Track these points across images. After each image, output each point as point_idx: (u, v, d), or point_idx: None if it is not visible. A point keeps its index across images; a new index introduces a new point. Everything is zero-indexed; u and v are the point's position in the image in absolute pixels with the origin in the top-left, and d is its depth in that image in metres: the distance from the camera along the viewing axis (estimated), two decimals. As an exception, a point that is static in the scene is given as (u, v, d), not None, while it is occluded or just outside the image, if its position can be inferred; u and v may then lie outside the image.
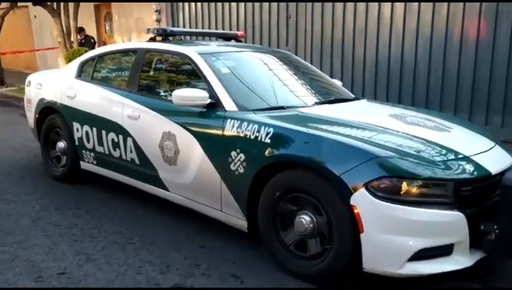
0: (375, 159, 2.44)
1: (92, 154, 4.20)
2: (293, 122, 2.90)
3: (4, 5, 12.00)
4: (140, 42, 4.30)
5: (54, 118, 4.59)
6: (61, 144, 4.57)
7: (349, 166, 2.46)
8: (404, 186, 2.40)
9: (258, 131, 2.86)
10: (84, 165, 4.37)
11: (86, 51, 9.26)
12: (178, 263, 2.97)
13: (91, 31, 11.17)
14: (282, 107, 3.24)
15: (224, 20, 8.74)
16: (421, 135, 2.84)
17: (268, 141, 2.81)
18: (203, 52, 3.62)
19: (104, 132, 3.99)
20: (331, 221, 2.58)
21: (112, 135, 3.92)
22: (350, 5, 7.03)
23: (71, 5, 9.65)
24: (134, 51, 4.07)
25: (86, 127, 4.17)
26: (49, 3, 9.63)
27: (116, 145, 3.90)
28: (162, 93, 3.67)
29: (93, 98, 4.15)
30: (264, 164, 2.84)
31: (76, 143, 4.33)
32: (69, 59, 9.31)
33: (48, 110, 4.67)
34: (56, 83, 4.61)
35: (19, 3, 11.97)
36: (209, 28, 8.80)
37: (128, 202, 4.04)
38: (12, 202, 4.02)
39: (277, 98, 3.41)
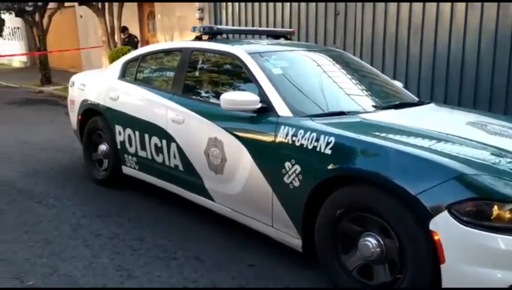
0: (460, 177, 2.07)
1: (134, 158, 4.01)
2: (356, 130, 2.56)
3: (52, 5, 12.22)
4: (185, 41, 4.08)
5: (96, 120, 4.45)
6: (103, 147, 4.42)
7: (428, 185, 2.10)
8: (495, 210, 2.02)
9: (317, 140, 2.55)
10: (125, 169, 4.19)
11: (129, 50, 9.22)
12: (226, 283, 2.70)
13: (134, 30, 11.17)
14: (342, 113, 2.90)
15: (268, 18, 8.43)
16: (509, 147, 2.43)
17: (328, 151, 2.48)
18: (253, 51, 3.33)
19: (146, 136, 3.79)
20: (403, 246, 2.22)
21: (155, 139, 3.71)
22: (405, -1, 6.57)
23: (115, 4, 9.65)
24: (179, 50, 3.84)
25: (129, 131, 3.99)
26: (94, 3, 9.67)
27: (159, 150, 3.69)
28: (209, 96, 3.42)
29: (136, 100, 3.96)
30: (323, 178, 2.52)
31: (118, 147, 4.15)
32: (112, 58, 9.31)
33: (90, 112, 4.53)
34: (99, 83, 4.46)
35: (66, 4, 12.16)
36: (254, 26, 8.52)
37: (171, 210, 3.82)
38: (53, 207, 3.89)
39: (335, 102, 3.08)
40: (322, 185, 2.54)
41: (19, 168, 5.02)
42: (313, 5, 7.75)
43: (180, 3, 10.11)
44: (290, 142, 2.68)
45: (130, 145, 4.00)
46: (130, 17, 10.84)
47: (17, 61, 18.52)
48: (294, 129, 2.68)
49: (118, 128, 4.11)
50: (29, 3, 11.97)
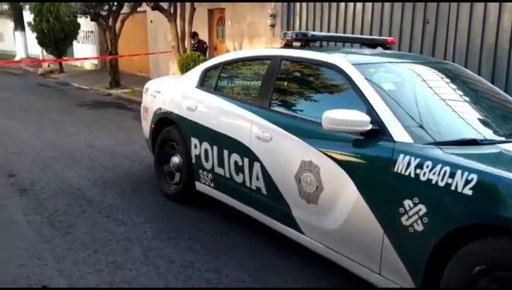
0: None
1: (209, 175, 3.65)
2: (503, 166, 2.01)
3: (125, 10, 12.41)
4: (274, 48, 3.68)
5: (170, 130, 4.15)
6: (175, 159, 4.11)
7: None
8: None
9: (452, 176, 2.02)
10: (199, 186, 3.84)
11: (199, 56, 9.05)
12: None
13: (203, 35, 11.04)
14: (474, 141, 2.35)
15: (346, 25, 7.92)
16: None
17: (468, 192, 1.95)
18: (359, 62, 2.85)
19: (226, 152, 3.41)
20: None
21: (235, 157, 3.32)
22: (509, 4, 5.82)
23: (187, 9, 9.53)
24: (267, 58, 3.43)
25: (206, 144, 3.63)
26: (166, 8, 9.61)
27: (239, 169, 3.30)
28: (302, 112, 2.96)
29: (216, 111, 3.61)
30: (459, 225, 1.99)
31: (193, 161, 3.81)
32: (181, 64, 9.18)
33: (164, 121, 4.25)
34: (175, 92, 4.16)
35: (138, 9, 12.29)
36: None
37: (250, 236, 3.41)
38: (122, 223, 3.60)
39: (462, 127, 2.53)
40: (457, 233, 2.01)
41: (87, 175, 4.84)
42: (398, 10, 7.14)
43: (252, 8, 9.82)
44: (413, 175, 2.17)
45: (207, 161, 3.64)
46: (199, 23, 10.72)
47: (89, 64, 19.18)
48: (418, 159, 2.17)
49: (194, 141, 3.77)
50: (104, 8, 12.22)
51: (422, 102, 2.64)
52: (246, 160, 3.22)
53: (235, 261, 3.05)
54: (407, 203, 2.18)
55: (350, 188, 2.47)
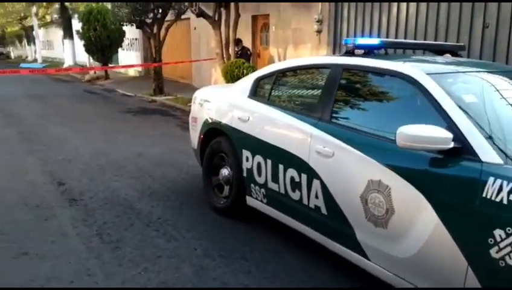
0: None
1: (262, 190, 3.46)
2: None
3: (169, 17, 12.52)
4: (335, 57, 3.47)
5: (220, 141, 4.00)
6: (225, 172, 3.95)
7: None
8: None
9: (559, 206, 1.73)
10: (250, 201, 3.66)
11: (243, 63, 8.94)
12: None
13: (246, 42, 10.95)
14: None
15: (398, 31, 7.57)
16: None
17: None
18: (434, 72, 2.58)
19: (281, 167, 3.21)
20: None
21: (291, 172, 3.12)
22: None
23: (232, 16, 9.46)
24: (326, 67, 3.21)
25: (259, 158, 3.45)
26: (211, 14, 9.58)
27: (296, 185, 3.09)
28: (368, 126, 2.72)
29: (269, 123, 3.42)
30: None
31: (244, 174, 3.64)
32: (225, 71, 9.09)
33: (214, 132, 4.11)
34: (226, 101, 4.02)
35: (182, 16, 12.36)
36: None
37: (306, 257, 3.19)
38: (172, 239, 3.47)
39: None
40: None
41: (135, 185, 4.77)
42: (454, 14, 6.74)
43: (297, 15, 9.62)
44: (506, 201, 1.90)
45: (259, 175, 3.46)
46: (243, 29, 10.63)
47: (133, 71, 19.57)
48: (513, 185, 1.90)
49: (246, 153, 3.60)
50: (149, 16, 12.37)
51: (508, 117, 2.34)
52: (304, 176, 3.01)
53: (292, 284, 2.84)
54: (498, 233, 1.90)
55: (427, 213, 2.22)
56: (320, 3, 8.85)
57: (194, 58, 14.23)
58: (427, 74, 2.53)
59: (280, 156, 3.23)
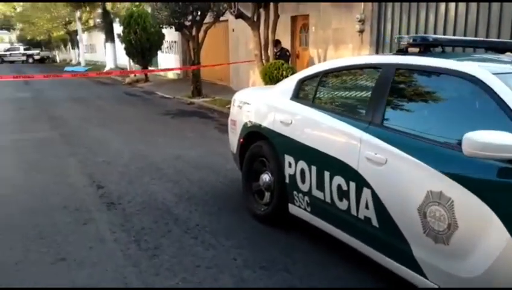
0: None
1: (306, 198, 3.27)
2: None
3: (208, 19, 12.52)
4: (387, 56, 3.23)
5: (260, 145, 3.83)
6: (265, 177, 3.78)
7: None
8: None
9: None
10: (293, 209, 3.47)
11: (282, 64, 8.75)
12: None
13: (285, 43, 10.76)
14: None
15: (446, 30, 7.17)
16: None
17: None
18: (501, 71, 2.32)
19: (327, 174, 3.01)
20: None
21: (338, 180, 2.91)
22: None
23: (271, 17, 9.29)
24: (377, 67, 2.98)
25: (302, 163, 3.26)
26: (250, 16, 9.46)
27: (343, 194, 2.88)
28: (426, 131, 2.47)
29: (314, 127, 3.22)
30: None
31: (287, 180, 3.45)
32: (264, 72, 8.94)
33: (254, 135, 3.95)
34: (267, 104, 3.85)
35: (220, 18, 12.33)
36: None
37: (354, 270, 2.97)
38: (211, 247, 3.33)
39: None
40: None
41: (173, 189, 4.68)
42: (508, 13, 6.30)
43: (338, 15, 9.35)
44: None
45: (303, 182, 3.26)
46: (282, 30, 10.44)
47: (172, 73, 19.78)
48: None
49: (288, 158, 3.41)
50: (188, 18, 12.42)
51: None
52: (353, 185, 2.79)
53: (339, 303, 2.63)
54: None
55: (497, 230, 1.96)
56: (362, 2, 8.55)
57: (232, 60, 14.17)
58: (494, 73, 2.26)
59: (326, 162, 3.02)
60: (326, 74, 3.40)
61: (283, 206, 3.55)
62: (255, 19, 9.55)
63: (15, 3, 52.95)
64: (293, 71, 8.75)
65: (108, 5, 21.83)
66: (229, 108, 11.13)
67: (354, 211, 2.82)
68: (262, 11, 9.44)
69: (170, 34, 17.63)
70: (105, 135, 7.70)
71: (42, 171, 5.39)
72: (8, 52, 43.20)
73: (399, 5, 8.03)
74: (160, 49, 18.35)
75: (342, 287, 2.78)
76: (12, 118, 9.60)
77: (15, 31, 52.51)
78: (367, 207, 2.70)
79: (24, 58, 41.48)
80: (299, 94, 3.57)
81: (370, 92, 2.92)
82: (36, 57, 41.84)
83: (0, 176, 5.20)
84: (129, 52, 17.68)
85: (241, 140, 4.13)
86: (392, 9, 8.20)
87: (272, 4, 9.16)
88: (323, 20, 9.96)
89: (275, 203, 3.64)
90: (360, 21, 8.60)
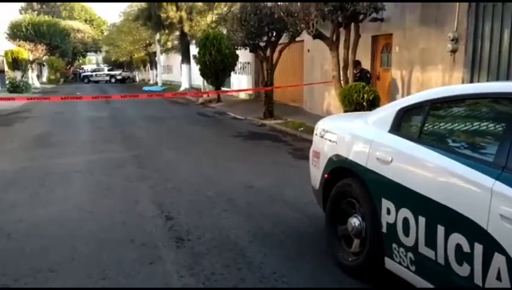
0: None
1: (409, 254, 2.66)
2: None
3: (282, 40, 12.24)
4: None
5: (349, 184, 3.29)
6: (355, 222, 3.21)
7: None
8: None
9: None
10: (390, 264, 2.87)
11: (364, 87, 8.13)
12: None
13: (365, 64, 10.12)
14: None
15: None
16: None
17: None
18: None
19: (441, 229, 2.39)
20: None
21: (458, 239, 2.29)
22: None
23: (352, 37, 8.75)
24: (509, 97, 2.35)
25: (406, 212, 2.67)
26: (329, 36, 8.98)
27: (465, 257, 2.25)
28: None
29: (425, 169, 2.63)
30: None
31: (384, 230, 2.87)
32: (343, 95, 8.37)
33: (341, 171, 3.41)
34: (358, 135, 3.31)
35: (296, 38, 11.99)
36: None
37: None
38: (290, 304, 2.83)
39: None
40: None
41: (246, 224, 4.25)
42: None
43: (426, 33, 8.58)
44: None
45: (406, 234, 2.67)
46: (361, 50, 9.82)
47: (244, 94, 19.77)
48: None
49: (387, 204, 2.83)
50: (263, 39, 12.21)
51: None
52: (479, 247, 2.16)
53: None
54: None
55: None
56: (456, 19, 7.74)
57: (306, 81, 13.74)
58: None
59: (439, 215, 2.42)
60: (436, 103, 2.80)
61: (377, 259, 2.96)
62: (334, 39, 9.05)
63: (103, 27, 57.04)
64: (375, 95, 8.11)
65: (186, 28, 22.47)
66: (302, 131, 10.78)
67: (478, 281, 2.18)
68: (342, 30, 8.93)
69: (244, 55, 17.64)
70: (176, 157, 7.53)
71: (111, 196, 5.23)
72: (94, 73, 46.38)
73: (499, 19, 7.14)
74: (234, 70, 18.42)
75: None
76: (89, 138, 9.83)
77: (101, 53, 56.41)
78: (499, 278, 2.06)
79: (107, 78, 44.21)
80: (401, 126, 3.00)
81: (502, 129, 2.29)
82: (118, 77, 44.43)
83: (69, 200, 5.09)
84: (204, 73, 17.91)
85: (326, 175, 3.60)
86: (490, 25, 7.32)
87: (353, 23, 8.62)
88: (408, 40, 9.23)
89: (367, 254, 3.06)
90: (452, 40, 7.79)
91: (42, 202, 5.02)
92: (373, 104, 7.88)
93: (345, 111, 8.30)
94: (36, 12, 46.52)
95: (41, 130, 10.91)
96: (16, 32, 33.25)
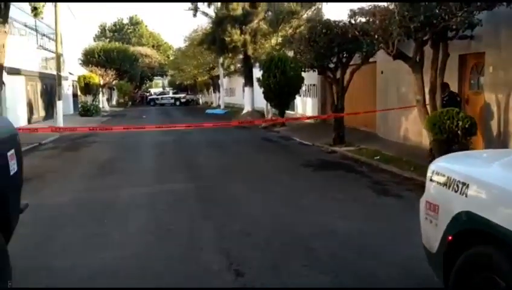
0: None
1: None
2: None
3: (355, 60, 11.39)
4: None
5: (489, 253, 2.37)
6: (499, 308, 2.28)
7: None
8: None
9: None
10: None
11: (458, 113, 7.06)
12: None
13: (452, 86, 8.98)
14: None
15: None
16: None
17: None
18: None
19: None
20: None
21: None
22: None
23: (439, 56, 7.71)
24: None
25: None
26: (411, 56, 8.01)
27: None
28: None
29: None
30: None
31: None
32: (432, 122, 7.32)
33: (475, 235, 2.50)
34: (501, 186, 2.40)
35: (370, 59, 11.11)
36: None
37: None
38: None
39: None
40: None
41: (332, 286, 3.41)
42: None
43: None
44: None
45: None
46: (448, 71, 8.73)
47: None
48: None
49: None
50: (333, 60, 11.44)
51: None
52: None
53: None
54: None
55: None
56: None
57: (379, 105, 12.72)
58: None
59: None
60: None
61: None
62: (418, 59, 8.06)
63: (169, 52, 59.16)
64: (472, 122, 7.00)
65: (249, 50, 22.24)
66: (378, 160, 9.74)
67: None
68: (426, 49, 7.93)
69: (309, 77, 16.95)
70: (243, 190, 6.85)
71: (171, 239, 4.62)
72: (159, 96, 47.90)
73: None
74: (299, 92, 17.75)
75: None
76: (152, 165, 9.45)
77: (167, 76, 58.35)
78: None
79: (172, 101, 45.37)
80: None
81: None
82: (182, 100, 45.48)
83: (128, 244, 4.51)
84: (267, 96, 17.42)
85: (449, 237, 2.70)
86: None
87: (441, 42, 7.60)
88: (504, 59, 8.03)
89: None
90: None
91: (98, 245, 4.48)
92: (469, 132, 6.79)
93: (435, 140, 7.25)
94: (108, 39, 49.06)
95: (105, 156, 10.75)
96: (89, 58, 34.93)
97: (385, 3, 7.75)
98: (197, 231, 4.90)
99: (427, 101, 8.01)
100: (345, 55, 11.26)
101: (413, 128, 10.85)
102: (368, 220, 5.21)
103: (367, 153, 10.12)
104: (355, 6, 9.00)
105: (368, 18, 8.38)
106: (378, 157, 9.50)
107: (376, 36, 8.02)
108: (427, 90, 8.03)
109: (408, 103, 10.97)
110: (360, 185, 7.31)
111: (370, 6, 8.35)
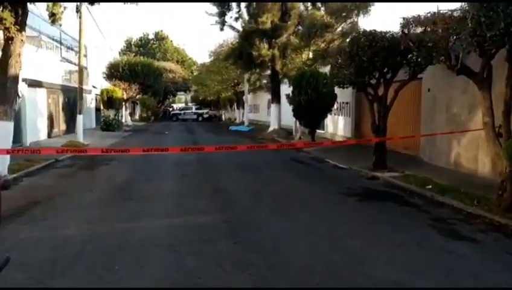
0: None
1: None
2: None
3: (399, 77, 10.25)
4: None
5: None
6: None
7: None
8: None
9: None
10: None
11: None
12: None
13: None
14: None
15: None
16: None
17: None
18: None
19: None
20: None
21: None
22: None
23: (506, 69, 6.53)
24: None
25: None
26: (477, 71, 6.86)
27: None
28: None
29: None
30: None
31: None
32: (510, 152, 6.09)
33: None
34: None
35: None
36: None
37: None
38: None
39: None
40: None
41: None
42: None
43: None
44: None
45: None
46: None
47: (339, 136, 17.81)
48: None
49: None
50: (375, 75, 10.33)
51: None
52: None
53: None
54: None
55: None
56: None
57: (425, 126, 11.48)
58: None
59: None
60: None
61: None
62: (485, 75, 6.87)
63: (193, 68, 58.95)
64: None
65: (278, 66, 21.32)
66: (431, 189, 8.45)
67: None
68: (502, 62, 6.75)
69: (342, 95, 15.84)
70: (281, 226, 5.75)
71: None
72: (182, 112, 47.39)
73: None
74: (330, 110, 16.65)
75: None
76: (174, 190, 8.39)
77: (190, 92, 57.99)
78: None
79: (195, 116, 44.73)
80: None
81: None
82: (205, 116, 44.78)
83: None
84: (297, 114, 16.36)
85: None
86: None
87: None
88: None
89: None
90: None
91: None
92: (559, 164, 5.54)
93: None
94: (133, 54, 49.05)
95: (123, 177, 9.78)
96: (113, 72, 34.62)
97: (449, 10, 6.63)
98: (230, 284, 3.81)
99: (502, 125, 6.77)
100: (389, 70, 10.15)
101: (467, 154, 9.59)
102: (449, 276, 4.03)
103: (415, 180, 8.88)
104: (405, 13, 7.93)
105: (425, 27, 7.28)
106: (430, 186, 8.26)
107: (436, 48, 6.90)
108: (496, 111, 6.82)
109: (460, 125, 9.73)
110: (418, 222, 6.11)
111: (428, 13, 7.25)
